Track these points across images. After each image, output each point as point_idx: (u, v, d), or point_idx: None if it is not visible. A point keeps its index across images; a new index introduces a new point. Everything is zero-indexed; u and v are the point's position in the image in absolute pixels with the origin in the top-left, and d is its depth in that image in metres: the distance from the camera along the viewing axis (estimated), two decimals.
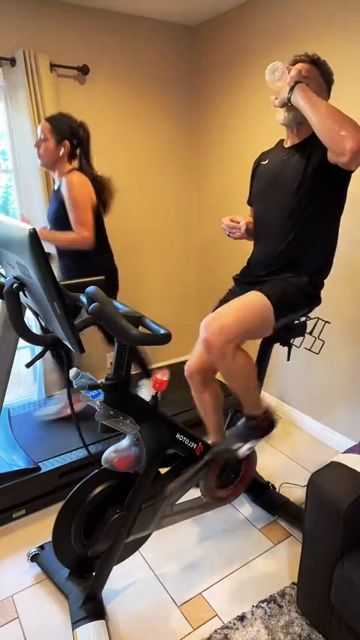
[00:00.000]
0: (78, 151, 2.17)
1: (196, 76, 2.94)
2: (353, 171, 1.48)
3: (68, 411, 2.44)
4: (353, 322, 2.26)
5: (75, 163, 2.18)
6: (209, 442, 1.80)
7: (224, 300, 1.78)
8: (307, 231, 1.59)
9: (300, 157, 1.57)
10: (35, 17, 2.34)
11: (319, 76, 1.54)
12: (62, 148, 2.09)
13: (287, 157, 1.61)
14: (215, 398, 1.83)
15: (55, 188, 2.20)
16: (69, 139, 2.10)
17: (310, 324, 1.83)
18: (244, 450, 1.70)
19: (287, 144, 1.65)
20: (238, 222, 1.76)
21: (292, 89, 1.42)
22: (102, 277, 1.60)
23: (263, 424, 1.73)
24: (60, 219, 2.14)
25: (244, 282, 1.77)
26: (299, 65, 1.52)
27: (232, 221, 1.78)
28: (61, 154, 2.10)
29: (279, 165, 1.63)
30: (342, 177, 1.51)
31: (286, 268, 1.64)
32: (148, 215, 3.04)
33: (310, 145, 1.54)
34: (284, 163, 1.62)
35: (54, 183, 2.31)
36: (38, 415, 2.47)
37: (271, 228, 1.66)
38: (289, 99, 1.44)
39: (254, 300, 1.53)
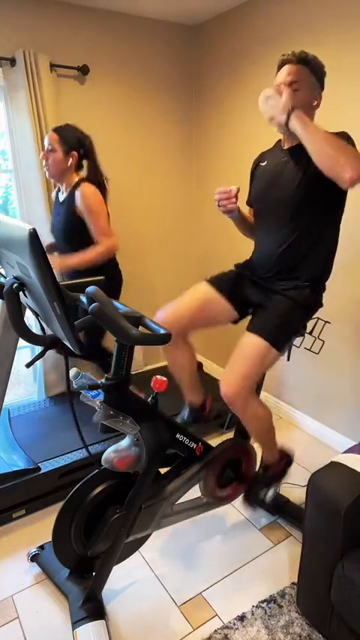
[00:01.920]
0: (84, 162, 2.17)
1: (195, 76, 2.94)
2: None
3: None
4: (353, 322, 2.26)
5: (82, 174, 2.18)
6: (186, 401, 1.93)
7: (226, 276, 1.82)
8: (306, 234, 1.58)
9: (298, 160, 1.56)
10: (35, 17, 2.34)
11: (309, 74, 1.51)
12: (70, 159, 2.10)
13: (286, 159, 1.61)
14: (189, 358, 1.85)
15: (61, 199, 2.20)
16: (77, 149, 2.11)
17: (310, 324, 1.83)
18: (270, 495, 1.87)
19: (285, 145, 1.65)
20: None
21: (288, 115, 1.44)
22: (102, 277, 1.60)
23: (281, 465, 1.88)
24: (69, 231, 2.15)
25: (250, 279, 1.77)
26: (287, 68, 1.50)
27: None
28: (69, 164, 2.10)
29: (278, 167, 1.63)
30: None
31: (285, 272, 1.65)
32: (148, 214, 3.04)
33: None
34: (283, 165, 1.61)
35: (52, 190, 2.31)
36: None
37: (271, 229, 1.66)
38: (286, 123, 1.45)
39: (256, 350, 1.59)
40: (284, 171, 1.60)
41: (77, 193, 2.08)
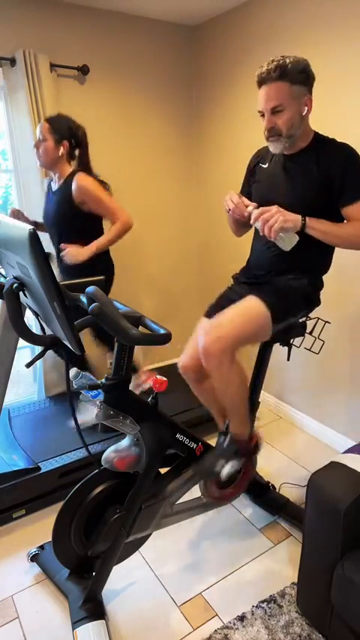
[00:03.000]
0: (77, 152, 2.18)
1: (195, 76, 2.94)
2: None
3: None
4: (353, 322, 2.26)
5: (74, 164, 2.19)
6: (220, 428, 1.82)
7: (222, 298, 1.78)
8: (305, 239, 1.56)
9: (300, 169, 1.55)
10: (35, 17, 2.34)
11: (290, 87, 1.42)
12: (61, 148, 2.10)
13: (288, 166, 1.59)
14: (213, 388, 1.81)
15: (54, 188, 2.20)
16: (68, 139, 2.11)
17: (310, 324, 1.83)
18: (225, 470, 1.67)
19: (286, 151, 1.59)
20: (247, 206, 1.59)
21: (302, 228, 1.48)
22: (102, 277, 1.60)
23: (248, 446, 1.75)
24: (62, 219, 2.16)
25: (243, 281, 1.77)
26: (265, 92, 1.44)
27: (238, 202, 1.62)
28: (60, 153, 2.11)
29: (280, 173, 1.61)
30: None
31: (285, 272, 1.64)
32: (148, 214, 3.04)
33: (310, 155, 1.53)
34: (285, 172, 1.60)
35: (47, 179, 2.32)
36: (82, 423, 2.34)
37: None
38: (302, 230, 1.49)
39: (252, 308, 1.54)
40: (287, 178, 1.58)
41: (74, 186, 2.08)
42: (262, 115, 1.51)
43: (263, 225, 1.47)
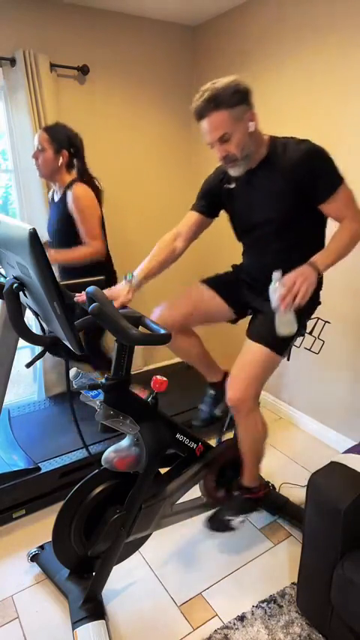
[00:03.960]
0: (75, 161, 2.17)
1: (195, 76, 2.94)
2: None
3: None
4: (353, 322, 2.26)
5: (74, 173, 2.18)
6: (210, 381, 1.89)
7: (222, 280, 1.81)
8: (294, 244, 1.56)
9: (264, 182, 1.51)
10: (35, 17, 2.34)
11: (230, 111, 1.38)
12: (61, 158, 2.09)
13: (255, 181, 1.54)
14: (191, 343, 1.84)
15: (56, 199, 2.20)
16: (67, 148, 2.10)
17: (310, 324, 1.83)
18: (237, 522, 1.79)
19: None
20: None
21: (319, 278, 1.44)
22: (102, 277, 1.60)
23: (258, 495, 1.82)
24: (63, 231, 2.15)
25: (246, 282, 1.76)
26: (207, 124, 1.40)
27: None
28: (59, 163, 2.10)
29: (248, 191, 1.57)
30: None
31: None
32: (147, 214, 3.04)
33: (272, 164, 1.49)
34: (252, 189, 1.55)
35: (49, 190, 2.31)
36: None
37: (259, 244, 1.65)
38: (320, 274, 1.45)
39: (260, 357, 1.60)
40: (257, 194, 1.54)
41: (69, 194, 2.07)
42: (212, 147, 1.46)
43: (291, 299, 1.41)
